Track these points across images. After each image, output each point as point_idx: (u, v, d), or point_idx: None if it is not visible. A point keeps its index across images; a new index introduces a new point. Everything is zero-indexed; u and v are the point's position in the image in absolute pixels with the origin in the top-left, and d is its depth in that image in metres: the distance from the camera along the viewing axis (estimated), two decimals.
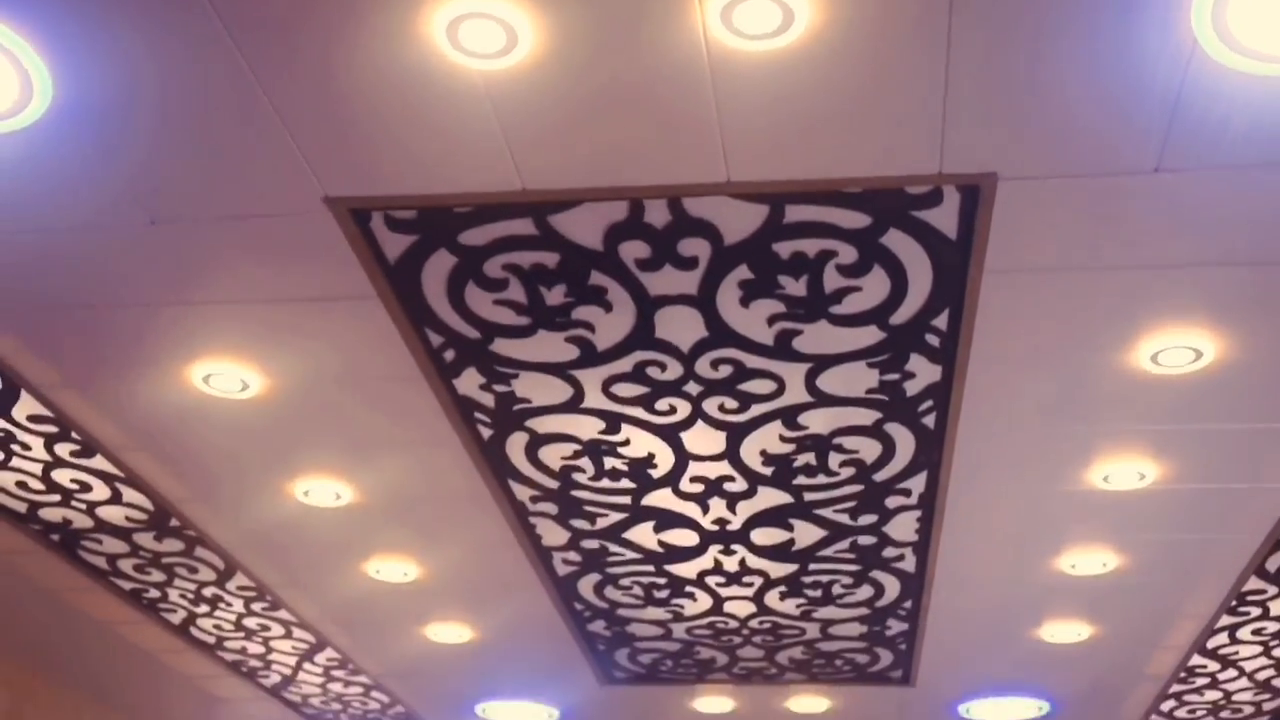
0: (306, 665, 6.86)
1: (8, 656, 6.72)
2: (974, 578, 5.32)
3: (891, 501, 4.64)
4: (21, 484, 4.80)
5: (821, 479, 4.47)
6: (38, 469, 4.67)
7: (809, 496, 4.60)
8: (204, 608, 6.04)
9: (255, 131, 2.93)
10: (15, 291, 3.61)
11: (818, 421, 4.10)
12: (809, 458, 4.32)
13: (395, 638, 6.31)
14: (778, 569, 5.26)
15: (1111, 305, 3.45)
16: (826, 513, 4.73)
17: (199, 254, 3.39)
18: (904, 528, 4.85)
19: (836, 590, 5.46)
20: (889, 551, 5.07)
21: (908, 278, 3.37)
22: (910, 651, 6.23)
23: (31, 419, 4.32)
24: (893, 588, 5.44)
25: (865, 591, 5.48)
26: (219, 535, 5.19)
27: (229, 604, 5.97)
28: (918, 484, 4.50)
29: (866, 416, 4.07)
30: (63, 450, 4.53)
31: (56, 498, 4.91)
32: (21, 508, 5.00)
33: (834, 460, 4.33)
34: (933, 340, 3.64)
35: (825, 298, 3.44)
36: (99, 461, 4.60)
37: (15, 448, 4.52)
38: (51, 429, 4.39)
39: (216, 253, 3.39)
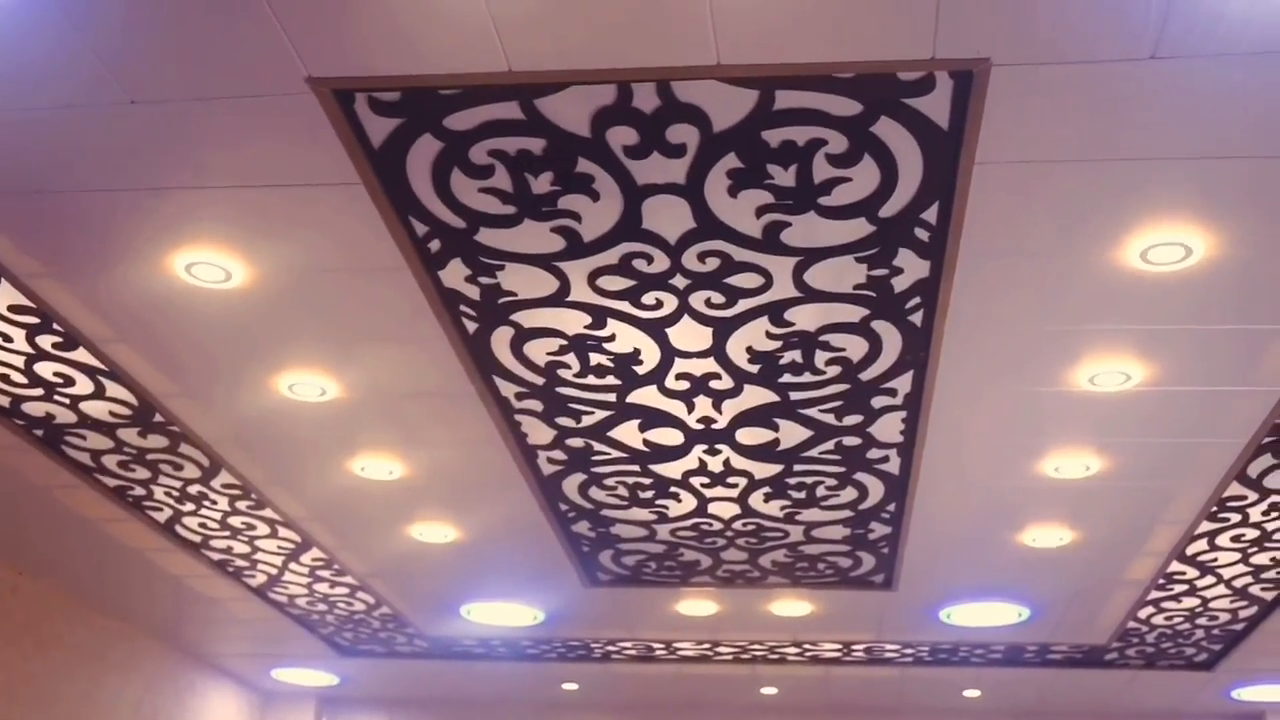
0: (292, 565, 6.90)
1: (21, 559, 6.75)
2: (957, 481, 5.35)
3: (877, 401, 4.64)
4: (3, 377, 4.77)
5: (807, 377, 4.46)
6: (20, 362, 4.64)
7: (795, 395, 4.60)
8: (189, 505, 6.05)
9: (237, 8, 2.85)
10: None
11: (805, 318, 4.08)
12: (795, 355, 4.31)
13: (380, 538, 6.34)
14: (762, 470, 5.28)
15: (1102, 199, 3.42)
16: (812, 412, 4.73)
17: (180, 136, 3.33)
18: (889, 429, 4.86)
19: (821, 492, 5.49)
20: (874, 453, 5.09)
21: (898, 169, 3.33)
22: (893, 556, 6.28)
23: (12, 309, 4.28)
24: (877, 490, 5.47)
25: (849, 494, 5.51)
26: (203, 431, 5.18)
27: (214, 502, 5.99)
28: (904, 384, 4.50)
29: (854, 313, 4.06)
30: (45, 342, 4.50)
31: (39, 392, 4.89)
32: (4, 402, 4.98)
33: (820, 358, 4.33)
34: (921, 234, 3.61)
35: (814, 188, 3.41)
36: (82, 354, 4.58)
37: (1, 342, 4.48)
38: (33, 320, 4.35)
39: (198, 135, 3.33)
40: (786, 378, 4.47)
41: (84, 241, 3.85)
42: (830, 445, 5.01)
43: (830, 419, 4.78)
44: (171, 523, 6.28)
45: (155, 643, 8.49)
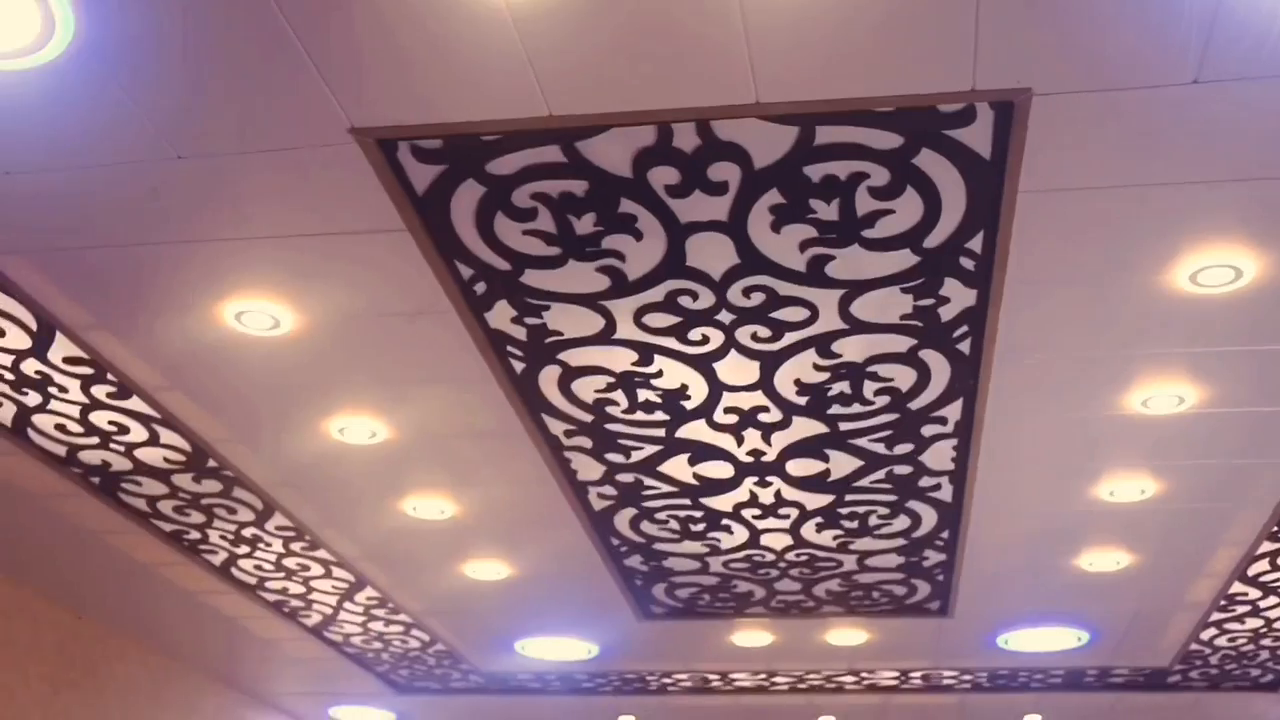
0: (347, 605, 6.93)
1: (53, 599, 6.83)
2: (1012, 506, 5.29)
3: (928, 430, 4.61)
4: (60, 427, 4.84)
5: (856, 408, 4.44)
6: (75, 411, 4.71)
7: (844, 426, 4.58)
8: (244, 548, 6.10)
9: (279, 63, 2.90)
10: (45, 231, 3.62)
11: (852, 349, 4.06)
12: (843, 386, 4.29)
13: (434, 576, 6.36)
14: (814, 500, 5.26)
15: (1149, 224, 3.39)
16: (862, 442, 4.70)
17: (227, 189, 3.38)
18: (940, 456, 4.82)
19: (873, 521, 5.45)
20: (925, 481, 5.05)
21: (941, 199, 3.32)
22: (948, 582, 6.22)
23: (68, 361, 4.35)
24: (930, 518, 5.42)
25: (902, 522, 5.47)
26: (256, 475, 5.23)
27: (268, 544, 6.03)
28: (954, 411, 4.47)
29: (901, 343, 4.03)
30: (100, 392, 4.56)
31: (95, 440, 4.95)
32: (61, 451, 5.05)
33: (869, 389, 4.31)
34: (967, 264, 3.59)
35: (857, 221, 3.40)
36: (135, 403, 4.64)
37: (53, 390, 4.55)
38: (88, 370, 4.41)
39: (244, 187, 3.38)
40: (835, 409, 4.45)
41: (135, 293, 3.91)
42: (881, 474, 4.98)
43: (880, 448, 4.75)
44: (227, 565, 6.33)
45: (213, 682, 8.54)
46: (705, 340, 4.03)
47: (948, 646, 7.32)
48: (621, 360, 4.18)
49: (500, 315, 3.95)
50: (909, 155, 3.15)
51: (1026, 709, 8.66)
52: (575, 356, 4.17)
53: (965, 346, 4.04)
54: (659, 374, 4.25)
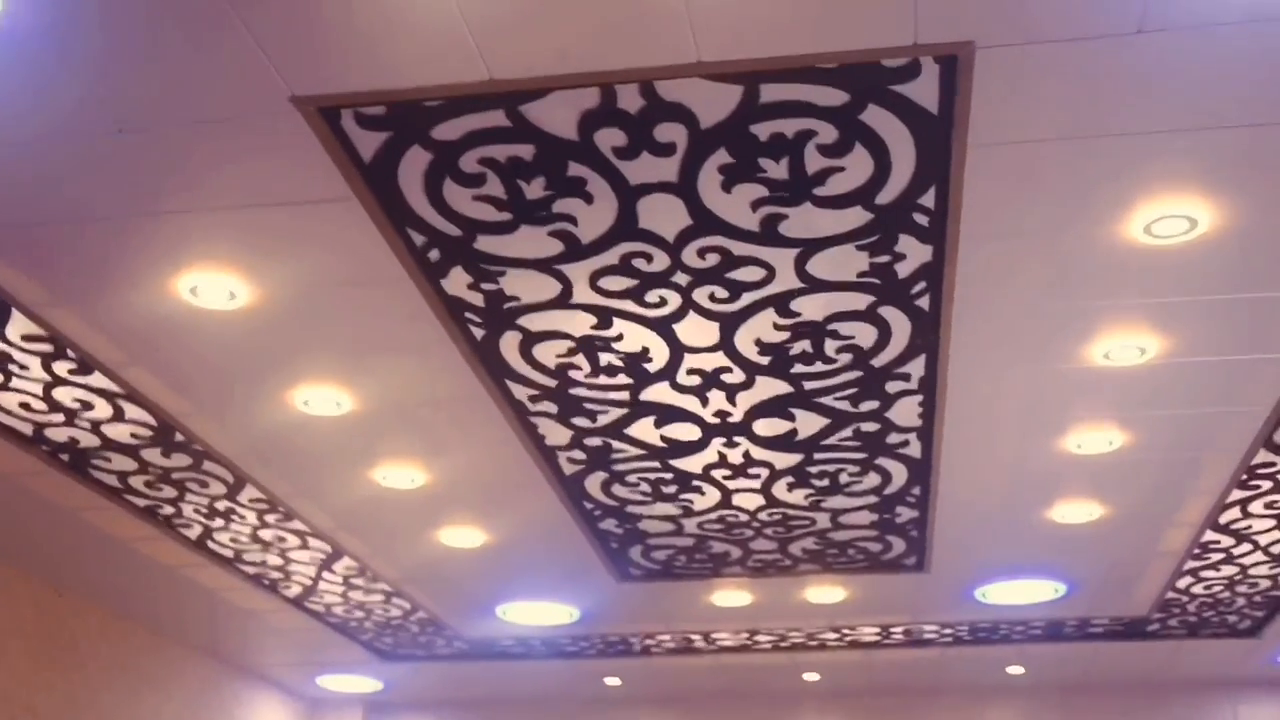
0: (325, 575, 6.94)
1: (30, 575, 6.84)
2: (980, 461, 5.30)
3: (892, 386, 4.61)
4: (25, 405, 4.82)
5: (819, 366, 4.43)
6: (38, 389, 4.69)
7: (808, 385, 4.58)
8: (218, 521, 6.10)
9: (214, 32, 2.86)
10: None
11: (811, 308, 4.05)
12: (805, 345, 4.28)
13: (409, 544, 6.37)
14: (783, 460, 5.26)
15: (1100, 175, 3.38)
16: (827, 401, 4.70)
17: (172, 162, 3.35)
18: (907, 413, 4.82)
19: (844, 479, 5.46)
20: (893, 438, 5.05)
21: (891, 156, 3.30)
22: (922, 538, 6.24)
23: (26, 338, 4.32)
24: (900, 475, 5.43)
25: (873, 479, 5.48)
26: (224, 448, 5.22)
27: (242, 517, 6.02)
28: (917, 368, 4.47)
29: (860, 301, 4.02)
30: (61, 369, 4.54)
31: (60, 417, 4.93)
32: (28, 429, 5.03)
33: (830, 347, 4.30)
34: (921, 220, 3.58)
35: (808, 179, 3.38)
36: (98, 379, 4.61)
37: (13, 368, 4.53)
38: (47, 347, 4.39)
39: (189, 160, 3.35)
40: (798, 368, 4.44)
41: (89, 268, 3.88)
42: (849, 432, 4.98)
43: (846, 406, 4.75)
44: (203, 539, 6.33)
45: (198, 656, 8.56)
46: (663, 302, 4.01)
47: (926, 601, 7.35)
48: (581, 324, 4.17)
49: (456, 282, 3.93)
50: (855, 112, 3.13)
51: (1009, 660, 8.72)
52: (534, 321, 4.16)
53: (924, 303, 4.03)
54: (619, 337, 4.24)
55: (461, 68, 2.98)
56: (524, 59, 2.95)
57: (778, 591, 7.14)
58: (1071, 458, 5.21)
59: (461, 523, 6.09)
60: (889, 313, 4.10)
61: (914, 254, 3.76)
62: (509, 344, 4.32)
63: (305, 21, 2.84)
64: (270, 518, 6.03)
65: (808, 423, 4.90)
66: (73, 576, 6.95)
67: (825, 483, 5.49)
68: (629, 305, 4.04)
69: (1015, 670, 8.93)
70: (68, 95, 3.09)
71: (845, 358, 4.38)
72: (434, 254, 3.78)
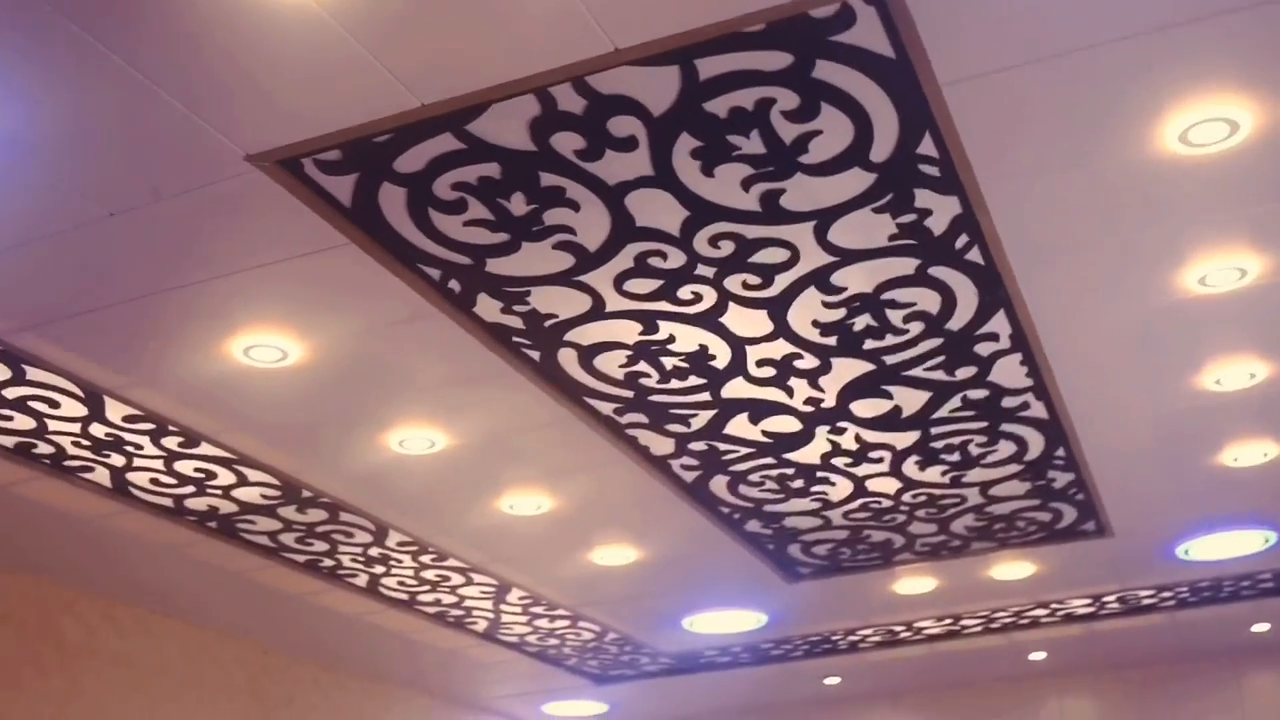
0: (503, 606, 7.02)
1: (232, 636, 7.18)
2: (1114, 413, 4.91)
3: (982, 349, 4.32)
4: (155, 481, 5.06)
5: (892, 339, 4.20)
6: (160, 464, 4.91)
7: (889, 360, 4.34)
8: (379, 568, 6.25)
9: (147, 108, 2.94)
10: (43, 305, 3.78)
11: (855, 280, 3.84)
12: (866, 319, 4.07)
13: (564, 567, 6.38)
14: (899, 439, 5.01)
15: (1101, 90, 3.07)
16: (917, 373, 4.45)
17: (168, 236, 3.45)
18: (1011, 374, 4.51)
19: (974, 450, 5.15)
20: (1009, 401, 4.73)
21: (865, 110, 3.08)
22: (1090, 501, 5.83)
23: (127, 420, 4.54)
24: (1034, 439, 5.08)
25: (1006, 447, 5.15)
26: (349, 498, 5.34)
27: (399, 560, 6.16)
28: (1001, 325, 4.17)
29: (905, 266, 3.79)
30: (170, 443, 4.75)
31: (191, 488, 5.16)
32: (168, 502, 5.28)
33: (895, 317, 4.06)
34: (929, 170, 3.33)
35: (787, 149, 3.20)
36: (207, 448, 4.80)
37: (129, 449, 4.76)
38: (149, 425, 4.59)
39: (188, 231, 3.45)
40: (870, 343, 4.22)
41: (149, 345, 4.05)
42: (957, 402, 4.70)
43: (942, 376, 4.48)
44: (373, 585, 6.51)
45: (417, 694, 8.82)
46: (698, 298, 3.88)
47: (1127, 566, 6.87)
48: (628, 332, 4.08)
49: (488, 308, 3.91)
50: (806, 71, 2.94)
51: (1250, 619, 8.05)
52: (582, 335, 4.09)
53: (975, 256, 3.76)
54: (671, 339, 4.13)
55: (390, 100, 2.96)
56: (445, 80, 2.91)
57: (960, 573, 6.80)
58: (1215, 396, 4.75)
59: (607, 541, 6.06)
60: (943, 273, 3.84)
61: (940, 208, 3.51)
62: (569, 361, 4.26)
63: (228, 83, 2.88)
64: (425, 558, 6.15)
65: (908, 398, 4.64)
66: (271, 633, 7.27)
67: (956, 457, 5.20)
68: (665, 306, 3.92)
69: (1261, 628, 8.24)
70: (54, 190, 3.22)
71: (916, 326, 4.13)
72: (454, 285, 3.77)
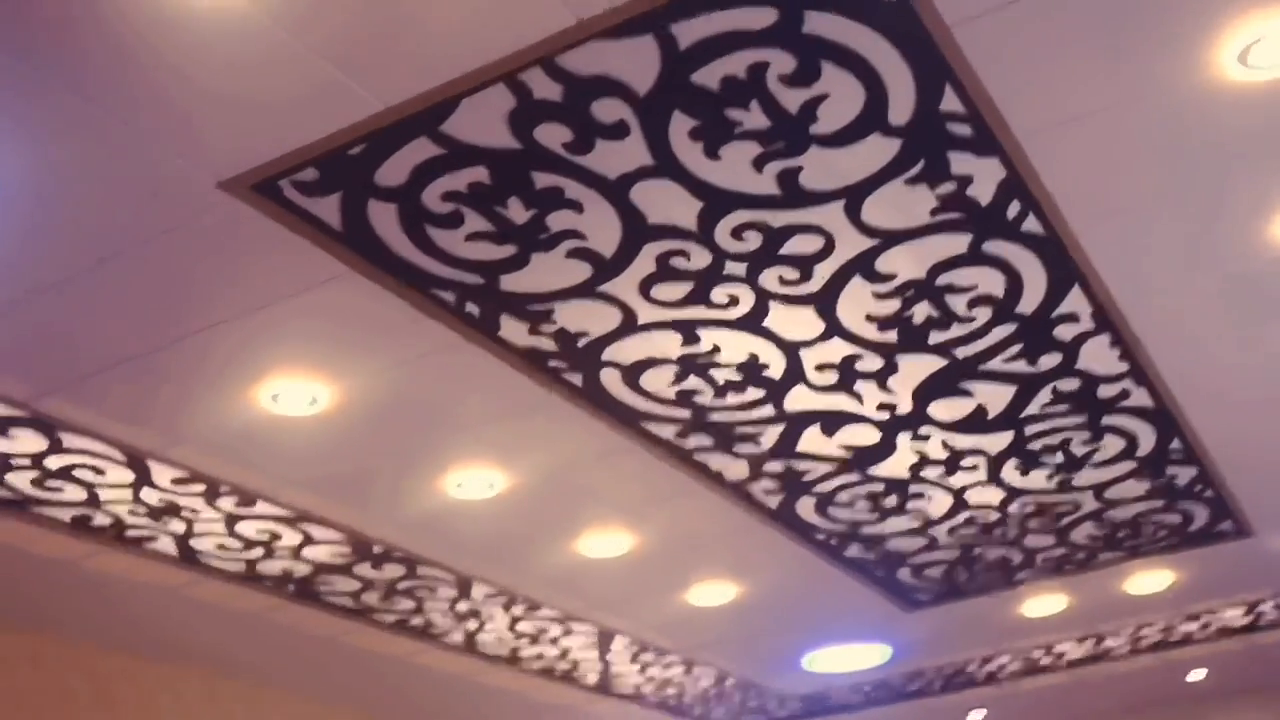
0: (609, 656, 6.75)
1: (337, 704, 7.03)
2: (1229, 394, 4.46)
3: (1063, 332, 3.94)
4: (221, 546, 4.93)
5: (959, 330, 3.85)
6: (221, 528, 4.78)
7: (960, 353, 3.98)
8: (472, 623, 6.04)
9: (103, 144, 2.78)
10: (58, 366, 3.65)
11: (903, 265, 3.51)
12: (927, 309, 3.72)
13: (663, 609, 6.09)
14: (991, 442, 4.61)
15: (1135, 12, 2.72)
16: (996, 365, 4.08)
17: (166, 279, 3.29)
18: (1101, 358, 4.11)
19: (1078, 450, 4.73)
20: (1105, 390, 4.32)
21: (872, 66, 2.78)
22: (1221, 498, 5.33)
23: (176, 481, 4.41)
24: (1142, 431, 4.64)
25: (1114, 443, 4.71)
26: (420, 549, 5.14)
27: (490, 614, 5.94)
28: (1078, 304, 3.79)
29: (957, 243, 3.45)
30: (226, 504, 4.60)
31: (260, 551, 5.01)
32: (239, 568, 5.15)
33: (957, 304, 3.71)
34: (960, 130, 3.01)
35: (794, 119, 2.91)
36: (265, 507, 4.65)
37: (187, 514, 4.63)
38: (199, 486, 4.45)
39: (179, 273, 3.29)
40: (936, 336, 3.87)
41: (173, 400, 3.89)
42: (1047, 396, 4.30)
43: (1023, 367, 4.10)
44: (470, 643, 6.29)
45: None
46: (735, 300, 3.59)
47: (1277, 568, 6.30)
48: (668, 346, 3.81)
49: (515, 331, 3.68)
50: (795, 25, 2.66)
51: None
52: (620, 353, 3.83)
53: (1033, 225, 3.40)
54: (716, 350, 3.84)
55: (352, 106, 2.76)
56: (403, 77, 2.70)
57: (1092, 588, 6.31)
58: None
59: (701, 579, 5.76)
60: (1000, 248, 3.49)
61: (981, 173, 3.17)
62: (613, 383, 4.00)
63: (186, 102, 2.71)
64: (516, 609, 5.92)
65: (991, 395, 4.27)
66: (379, 699, 7.10)
67: (1059, 458, 4.77)
68: (701, 312, 3.64)
69: None
70: (41, 239, 3.09)
71: (983, 312, 3.77)
72: (472, 308, 3.54)
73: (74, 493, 4.40)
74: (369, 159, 2.93)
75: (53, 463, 4.18)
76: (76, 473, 4.26)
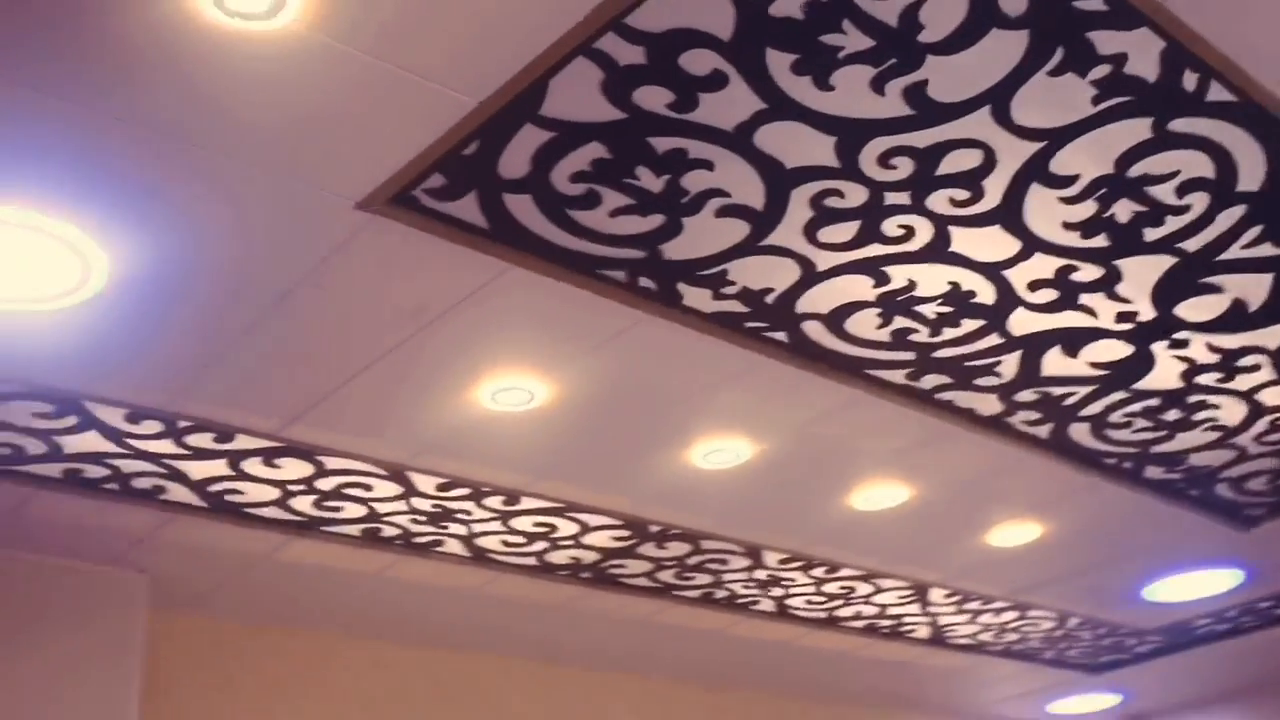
0: (931, 607, 6.57)
1: (677, 679, 7.20)
2: None
3: None
4: (506, 543, 5.15)
5: (1176, 221, 3.49)
6: (498, 525, 4.99)
7: (1189, 246, 3.61)
8: (776, 590, 6.04)
9: (262, 195, 2.97)
10: (288, 396, 3.91)
11: (1083, 163, 3.21)
12: (1129, 206, 3.40)
13: (966, 555, 5.88)
14: (1266, 338, 4.16)
15: None
16: (1236, 254, 3.67)
17: (347, 305, 3.48)
18: None
19: None
20: None
21: None
22: None
23: (440, 488, 4.63)
24: None
25: None
26: (695, 525, 5.18)
27: (791, 579, 5.91)
28: None
29: (1138, 130, 3.13)
30: (493, 503, 4.80)
31: (543, 545, 5.21)
32: (531, 561, 5.36)
33: (1163, 194, 3.37)
34: (1090, 3, 2.72)
35: (896, 33, 2.72)
36: (530, 501, 4.81)
37: (461, 516, 4.87)
38: (463, 490, 4.66)
39: (355, 294, 3.46)
40: (1151, 233, 3.53)
41: (402, 411, 4.10)
42: None
43: (1269, 250, 3.67)
44: (783, 609, 6.29)
45: (906, 712, 8.46)
46: (910, 231, 3.41)
47: None
48: (859, 289, 3.66)
49: (698, 299, 3.64)
50: None
51: None
52: (814, 302, 3.71)
53: (1221, 93, 3.04)
54: (912, 284, 3.66)
55: (449, 108, 2.82)
56: (485, 70, 2.73)
57: None
58: None
59: (996, 522, 5.52)
60: (1191, 125, 3.14)
61: (1136, 48, 2.86)
62: (818, 334, 3.89)
63: (295, 135, 2.85)
64: (816, 571, 5.86)
65: (1245, 287, 3.84)
66: (717, 673, 7.22)
67: None
68: (880, 249, 3.48)
69: None
70: (223, 288, 3.34)
71: (1199, 199, 3.41)
72: (647, 282, 3.54)
73: (353, 510, 4.71)
74: (486, 155, 2.98)
75: (323, 484, 4.49)
76: (348, 490, 4.56)
